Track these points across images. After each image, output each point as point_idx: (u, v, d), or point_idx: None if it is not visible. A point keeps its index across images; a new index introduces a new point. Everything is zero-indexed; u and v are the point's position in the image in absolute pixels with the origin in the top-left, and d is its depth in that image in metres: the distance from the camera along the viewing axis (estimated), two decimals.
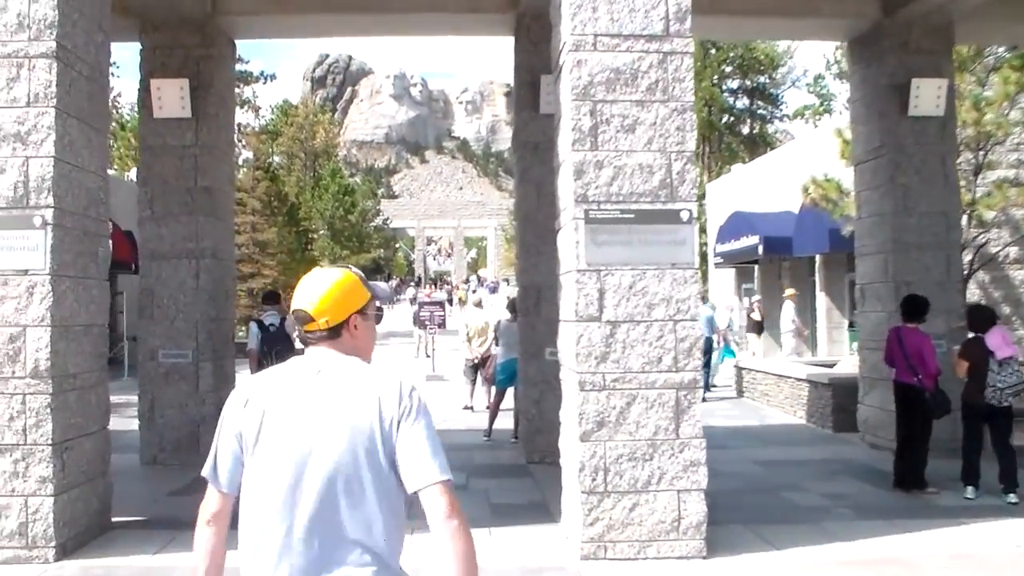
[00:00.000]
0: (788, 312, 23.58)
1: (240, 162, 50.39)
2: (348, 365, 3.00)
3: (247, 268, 42.72)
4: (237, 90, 49.55)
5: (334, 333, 3.07)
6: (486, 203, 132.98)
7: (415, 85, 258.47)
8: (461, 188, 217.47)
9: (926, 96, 12.90)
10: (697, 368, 7.88)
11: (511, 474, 11.82)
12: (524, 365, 12.77)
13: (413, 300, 55.06)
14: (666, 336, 7.80)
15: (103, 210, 8.79)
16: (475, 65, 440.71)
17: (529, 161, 12.71)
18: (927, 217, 13.07)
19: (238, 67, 50.05)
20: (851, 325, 25.11)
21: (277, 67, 56.25)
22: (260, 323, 11.72)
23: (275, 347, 11.44)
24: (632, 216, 7.81)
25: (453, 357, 29.61)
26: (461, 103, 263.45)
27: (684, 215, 7.84)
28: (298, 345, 10.95)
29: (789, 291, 24.87)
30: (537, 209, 12.63)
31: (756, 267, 30.91)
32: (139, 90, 12.96)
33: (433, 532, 2.75)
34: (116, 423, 10.01)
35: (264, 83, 49.65)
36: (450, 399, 20.21)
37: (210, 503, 2.99)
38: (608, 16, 7.83)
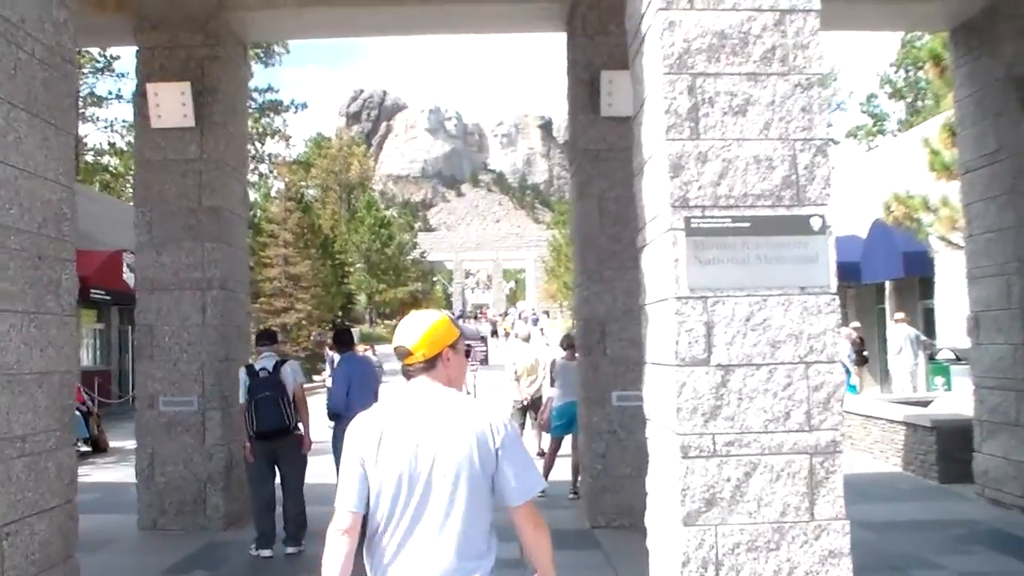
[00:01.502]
0: (902, 337, 21.38)
1: (273, 193, 49.10)
2: (448, 395, 3.63)
3: (280, 303, 41.21)
4: (267, 119, 48.63)
5: (430, 365, 3.63)
6: (523, 235, 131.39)
7: (450, 119, 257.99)
8: (498, 221, 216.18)
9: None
10: (836, 426, 5.90)
11: (574, 543, 9.85)
12: (586, 412, 10.84)
13: None
14: (796, 384, 5.84)
15: (68, 228, 6.96)
16: (509, 98, 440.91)
17: (588, 172, 10.84)
18: None
19: (269, 96, 49.09)
20: (931, 357, 23.05)
21: (311, 101, 54.85)
22: (249, 368, 9.78)
23: (259, 395, 9.49)
24: (747, 225, 5.89)
25: (496, 394, 27.89)
26: (496, 136, 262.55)
27: (815, 222, 5.90)
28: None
29: (899, 315, 22.77)
30: (600, 229, 10.77)
31: None
32: (135, 96, 11.26)
33: (523, 536, 3.57)
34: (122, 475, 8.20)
35: (295, 112, 48.44)
36: None
37: (341, 520, 3.45)
38: None
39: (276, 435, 9.51)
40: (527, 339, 17.33)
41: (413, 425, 3.45)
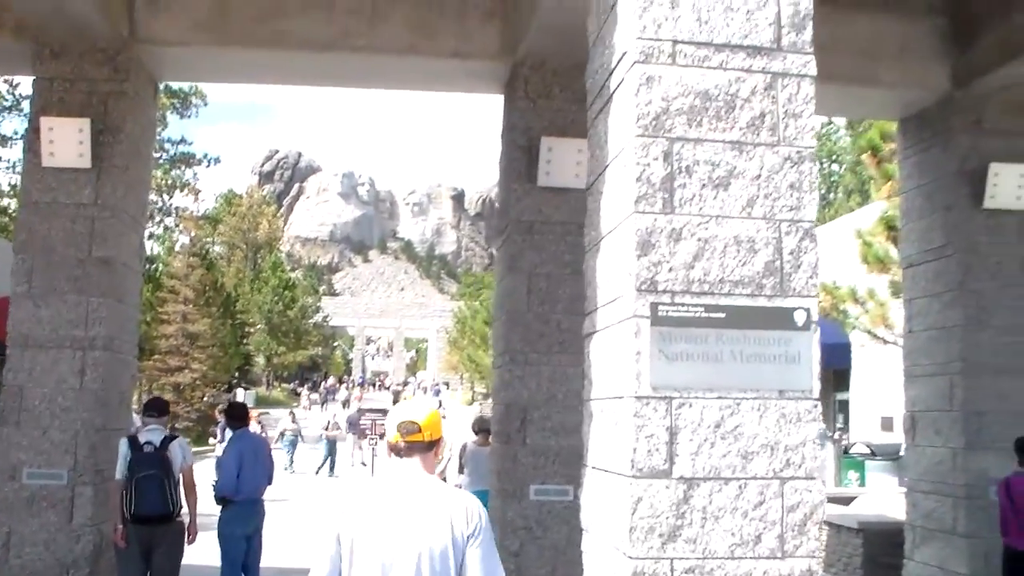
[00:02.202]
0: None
1: (177, 248, 47.41)
2: (431, 482, 3.83)
3: (174, 361, 39.56)
4: (176, 172, 47.06)
5: (429, 448, 3.86)
6: (428, 304, 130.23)
7: (363, 184, 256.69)
8: (403, 289, 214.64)
9: (1005, 185, 10.53)
10: (813, 552, 5.10)
11: None
12: (500, 505, 9.90)
13: (346, 403, 51.37)
14: (769, 502, 5.05)
15: None
16: (423, 167, 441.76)
17: (519, 245, 10.04)
18: (1005, 333, 10.54)
19: (181, 148, 47.55)
20: (846, 451, 22.66)
21: (224, 158, 53.51)
22: (132, 441, 8.58)
23: (141, 473, 8.30)
24: (722, 316, 5.13)
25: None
26: (408, 204, 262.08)
27: (799, 316, 5.17)
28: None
29: None
30: (527, 307, 9.96)
31: None
32: (27, 131, 10.20)
33: None
34: None
35: (208, 166, 46.98)
36: None
37: None
38: (694, 16, 5.23)
39: (156, 520, 8.35)
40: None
41: (393, 508, 3.65)
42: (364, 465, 29.79)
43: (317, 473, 28.36)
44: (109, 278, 9.79)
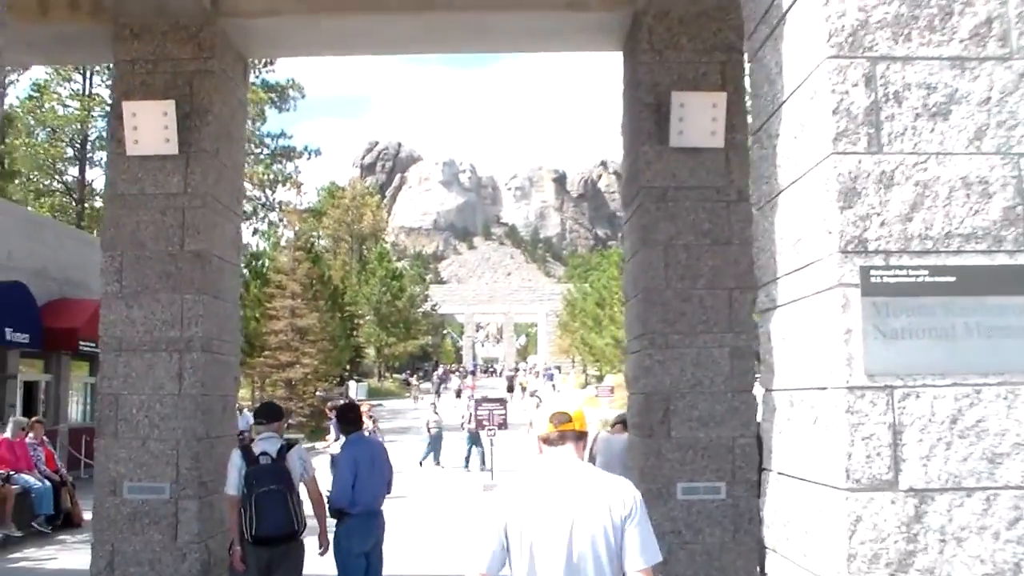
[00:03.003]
0: None
1: (282, 243, 47.28)
2: (587, 469, 3.99)
3: (285, 356, 39.26)
4: (278, 166, 46.94)
5: (580, 437, 4.01)
6: (535, 288, 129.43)
7: (464, 171, 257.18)
8: (509, 274, 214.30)
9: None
10: None
11: None
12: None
13: (459, 392, 50.44)
14: None
15: None
16: (524, 151, 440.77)
17: (653, 214, 8.94)
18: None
19: (281, 142, 47.38)
20: None
21: (325, 153, 53.28)
22: (246, 451, 7.63)
23: (262, 488, 7.32)
24: (952, 280, 3.99)
25: (512, 460, 25.85)
26: (510, 189, 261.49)
27: None
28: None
29: None
30: (665, 283, 8.86)
31: None
32: (109, 119, 9.45)
33: None
34: None
35: (309, 158, 46.82)
36: None
37: None
38: None
39: (280, 540, 7.44)
40: (534, 394, 15.34)
41: (555, 496, 3.76)
42: (482, 464, 28.45)
43: (467, 468, 26.97)
44: (203, 273, 8.98)
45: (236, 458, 7.51)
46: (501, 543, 3.79)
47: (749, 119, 8.27)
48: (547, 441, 3.99)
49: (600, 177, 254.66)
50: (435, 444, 28.12)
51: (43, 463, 16.30)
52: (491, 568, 3.79)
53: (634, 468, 9.33)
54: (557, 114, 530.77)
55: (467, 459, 27.10)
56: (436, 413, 28.82)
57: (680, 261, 8.88)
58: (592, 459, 11.09)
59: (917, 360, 3.92)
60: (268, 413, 7.89)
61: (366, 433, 9.56)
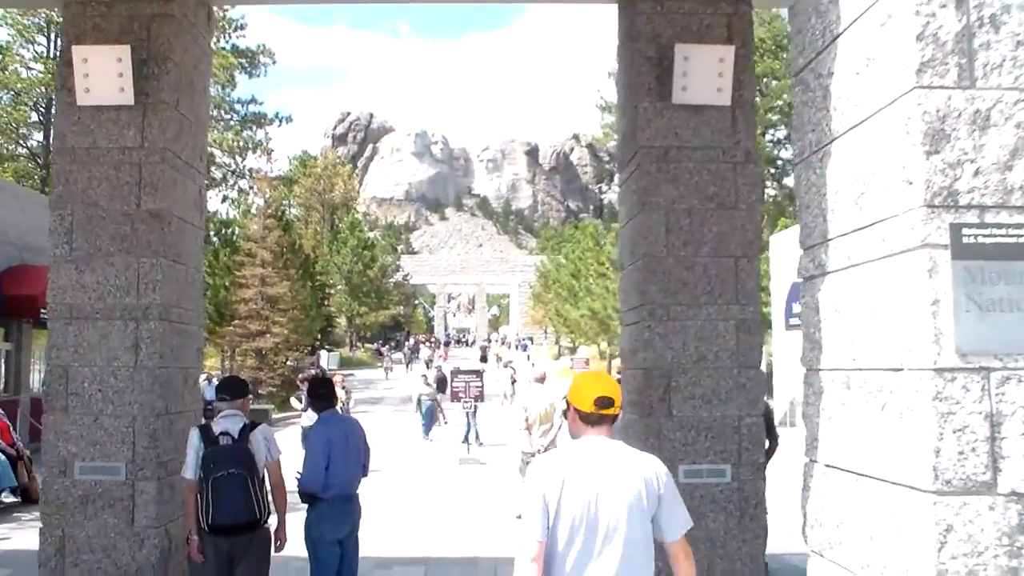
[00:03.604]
0: None
1: (253, 211, 46.23)
2: (620, 446, 4.16)
3: (255, 325, 38.44)
4: (248, 132, 45.85)
5: (615, 419, 4.23)
6: (508, 260, 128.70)
7: (436, 143, 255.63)
8: (481, 245, 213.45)
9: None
10: None
11: None
12: None
13: (429, 362, 49.62)
14: None
15: None
16: (497, 123, 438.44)
17: (654, 176, 8.23)
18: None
19: (252, 108, 46.22)
20: None
21: (296, 123, 52.25)
22: (204, 431, 6.85)
23: (220, 471, 6.56)
24: None
25: (489, 430, 25.20)
26: (482, 161, 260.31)
27: None
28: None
29: None
30: (667, 250, 8.17)
31: None
32: (57, 65, 8.63)
33: (676, 565, 4.02)
34: None
35: (280, 125, 45.79)
36: (494, 499, 15.64)
37: (530, 549, 3.88)
38: None
39: (241, 529, 6.67)
40: (542, 380, 14.65)
41: (592, 471, 3.98)
42: (446, 423, 27.55)
43: (466, 442, 25.51)
44: (162, 234, 8.21)
45: (194, 438, 6.76)
46: (544, 511, 3.92)
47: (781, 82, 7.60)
48: (586, 420, 4.14)
49: (572, 150, 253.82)
50: (428, 417, 26.48)
51: None
52: (544, 534, 3.90)
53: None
54: (530, 87, 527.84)
55: (466, 435, 25.79)
56: (428, 385, 27.45)
57: (682, 227, 8.19)
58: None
59: (1020, 337, 3.24)
60: (232, 388, 7.10)
61: (339, 409, 8.81)
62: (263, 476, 6.85)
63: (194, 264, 9.07)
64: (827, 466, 4.12)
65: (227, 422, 6.79)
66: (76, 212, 8.18)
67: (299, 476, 7.33)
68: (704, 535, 7.96)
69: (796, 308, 24.58)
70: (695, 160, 8.22)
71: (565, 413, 4.45)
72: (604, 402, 4.10)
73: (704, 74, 8.02)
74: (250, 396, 7.55)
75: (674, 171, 8.21)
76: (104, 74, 8.06)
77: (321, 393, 7.82)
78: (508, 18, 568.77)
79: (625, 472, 3.98)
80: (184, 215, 8.71)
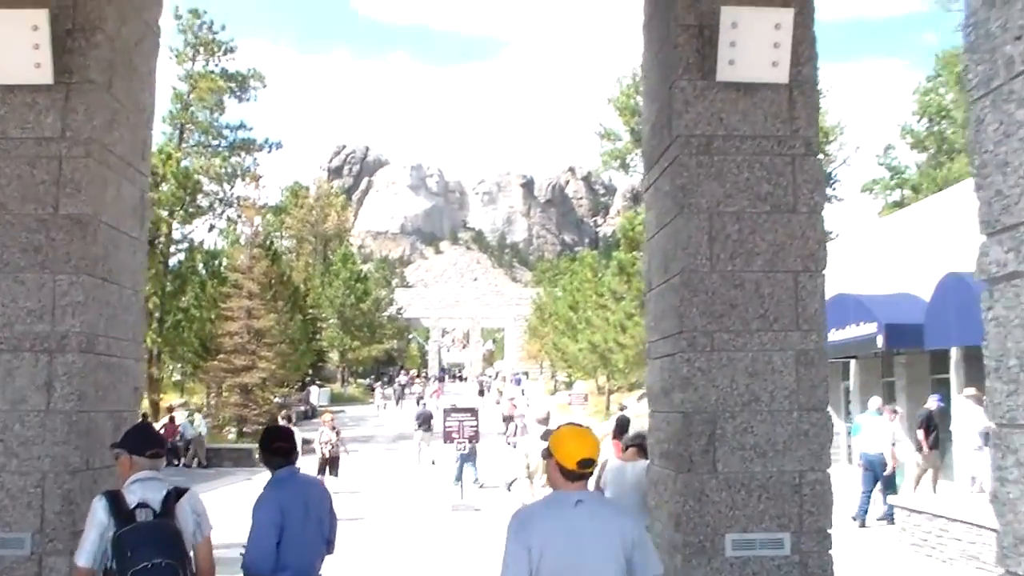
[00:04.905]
0: (975, 418, 16.62)
1: (242, 241, 44.63)
2: (599, 500, 4.76)
3: (241, 360, 36.80)
4: (237, 159, 44.26)
5: (592, 473, 4.59)
6: (503, 293, 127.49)
7: (431, 176, 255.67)
8: (476, 279, 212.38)
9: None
10: None
11: None
12: (681, 564, 6.51)
13: (420, 399, 47.84)
14: None
15: None
16: (492, 156, 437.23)
17: (693, 172, 6.65)
18: None
19: (240, 134, 44.61)
20: None
21: (292, 155, 50.91)
22: (115, 500, 5.06)
23: (142, 561, 4.77)
24: None
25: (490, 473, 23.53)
26: (477, 194, 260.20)
27: None
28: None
29: (969, 390, 18.01)
30: (710, 263, 6.59)
31: (853, 362, 25.31)
32: None
33: None
34: None
35: (270, 151, 44.32)
36: (490, 553, 13.94)
37: None
38: None
39: None
40: (546, 420, 13.03)
41: (573, 524, 4.21)
42: (433, 464, 27.24)
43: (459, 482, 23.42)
44: (84, 245, 6.59)
45: (99, 511, 4.98)
46: (525, 563, 4.12)
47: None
48: (567, 476, 4.34)
49: (568, 183, 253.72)
50: (470, 459, 22.72)
51: None
52: None
53: (662, 510, 7.03)
54: (526, 120, 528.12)
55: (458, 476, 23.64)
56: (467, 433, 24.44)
57: (729, 234, 6.60)
58: (600, 491, 8.79)
59: None
60: (142, 440, 5.41)
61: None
62: (195, 563, 5.19)
63: (131, 284, 7.44)
64: None
65: (145, 488, 5.09)
66: None
67: (243, 554, 5.65)
68: None
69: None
70: (744, 152, 6.65)
71: (545, 458, 4.56)
72: (587, 463, 4.35)
73: (756, 44, 6.47)
74: (165, 449, 5.76)
75: (719, 165, 6.63)
76: (15, 45, 6.48)
77: (277, 447, 6.08)
78: (496, 48, 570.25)
79: (603, 525, 4.26)
80: (117, 223, 7.10)
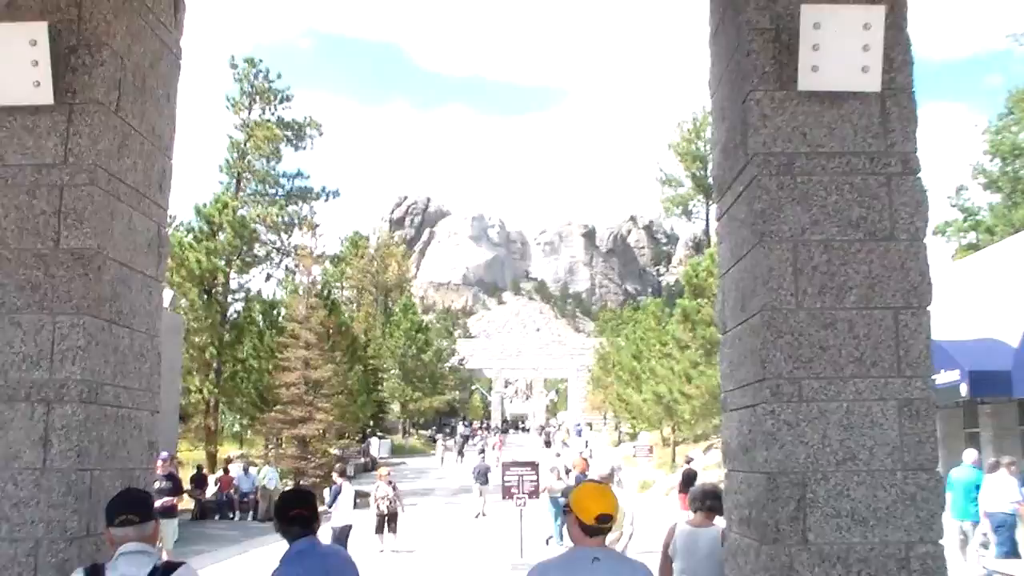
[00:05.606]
0: None
1: (301, 291, 44.35)
2: (615, 555, 4.81)
3: (297, 411, 36.24)
4: (294, 207, 44.11)
5: (611, 528, 4.70)
6: (565, 343, 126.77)
7: (493, 226, 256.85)
8: (538, 329, 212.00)
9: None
10: None
11: None
12: None
13: (482, 452, 47.05)
14: None
15: None
16: (553, 206, 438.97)
17: (774, 195, 5.78)
18: None
19: (298, 183, 44.50)
20: None
21: (354, 205, 50.98)
22: (93, 573, 4.48)
23: None
24: None
25: (539, 527, 22.56)
26: (539, 244, 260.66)
27: None
28: None
29: None
30: (796, 299, 5.70)
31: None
32: None
33: None
34: None
35: (327, 200, 44.13)
36: None
37: None
38: None
39: None
40: (609, 478, 12.08)
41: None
42: (477, 517, 28.56)
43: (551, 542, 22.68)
44: (87, 283, 5.87)
45: None
46: None
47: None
48: (585, 530, 4.54)
49: (630, 232, 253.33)
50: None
51: None
52: None
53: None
54: (587, 169, 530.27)
55: (548, 538, 22.56)
56: (561, 479, 23.29)
57: (817, 266, 5.72)
58: (669, 560, 7.79)
59: None
60: (130, 505, 4.70)
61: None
62: None
63: (146, 328, 6.71)
64: None
65: (129, 563, 4.34)
66: None
67: None
68: None
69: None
70: (832, 171, 5.78)
71: (565, 513, 4.78)
72: (604, 518, 4.50)
73: (843, 47, 5.62)
74: (154, 519, 4.94)
75: (802, 187, 5.77)
76: (11, 62, 5.86)
77: (296, 515, 5.28)
78: (554, 97, 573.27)
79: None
80: (128, 259, 6.40)
